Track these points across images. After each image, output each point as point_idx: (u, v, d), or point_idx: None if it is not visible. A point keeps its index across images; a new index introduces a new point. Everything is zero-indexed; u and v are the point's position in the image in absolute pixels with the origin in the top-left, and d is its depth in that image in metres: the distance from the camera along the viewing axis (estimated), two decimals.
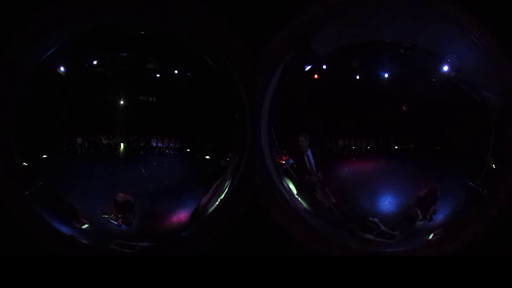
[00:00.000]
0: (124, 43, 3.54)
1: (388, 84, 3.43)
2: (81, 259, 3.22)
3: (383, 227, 3.44)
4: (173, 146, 3.68)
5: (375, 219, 3.45)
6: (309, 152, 3.56)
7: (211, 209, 3.52)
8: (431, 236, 3.39)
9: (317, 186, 3.54)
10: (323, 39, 3.40)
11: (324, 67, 3.53)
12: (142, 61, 3.58)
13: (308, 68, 3.52)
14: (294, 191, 3.58)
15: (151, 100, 3.60)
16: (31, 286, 3.13)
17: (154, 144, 3.66)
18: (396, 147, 3.53)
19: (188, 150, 3.70)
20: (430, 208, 3.43)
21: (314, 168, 3.57)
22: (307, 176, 3.56)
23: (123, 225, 3.50)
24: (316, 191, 3.55)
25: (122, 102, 3.52)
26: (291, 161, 3.64)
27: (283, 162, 3.63)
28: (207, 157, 3.68)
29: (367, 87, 3.47)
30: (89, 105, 3.50)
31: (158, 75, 3.60)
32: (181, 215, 3.53)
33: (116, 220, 3.50)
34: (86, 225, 3.45)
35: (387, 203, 3.48)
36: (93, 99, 3.50)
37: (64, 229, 3.38)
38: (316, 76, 3.53)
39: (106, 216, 3.49)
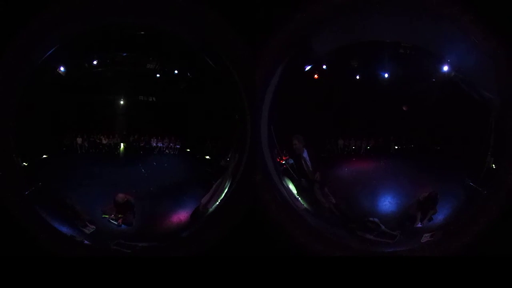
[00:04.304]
0: (124, 43, 3.54)
1: (388, 84, 3.43)
2: (81, 259, 3.22)
3: (383, 227, 3.44)
4: (173, 146, 3.68)
5: (376, 219, 3.45)
6: (305, 154, 3.56)
7: (211, 209, 3.52)
8: (431, 236, 3.39)
9: (315, 187, 3.54)
10: (323, 39, 3.40)
11: (324, 67, 3.53)
12: (142, 61, 3.58)
13: (308, 68, 3.52)
14: (294, 191, 3.58)
15: (151, 100, 3.60)
16: (31, 286, 3.12)
17: (154, 144, 3.67)
18: (396, 147, 3.53)
19: (188, 150, 3.70)
20: (429, 212, 3.44)
21: (311, 169, 3.57)
22: (303, 179, 3.56)
23: (123, 225, 3.50)
24: (316, 191, 3.55)
25: (122, 102, 3.52)
26: (291, 161, 3.64)
27: (283, 162, 3.63)
28: (207, 157, 3.68)
29: (367, 87, 3.48)
30: (89, 105, 3.50)
31: (158, 75, 3.60)
32: (181, 215, 3.53)
33: (116, 220, 3.50)
34: (86, 225, 3.45)
35: (387, 203, 3.48)
36: (93, 99, 3.51)
37: (64, 229, 3.38)
38: (316, 76, 3.54)
39: (106, 216, 3.49)
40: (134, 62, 3.57)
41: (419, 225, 3.47)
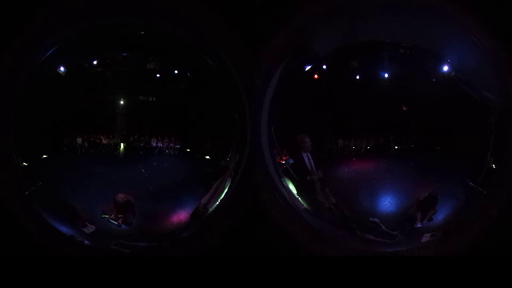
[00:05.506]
0: (124, 43, 3.54)
1: (388, 84, 3.43)
2: (81, 259, 3.22)
3: (383, 227, 3.44)
4: (173, 146, 3.68)
5: (376, 220, 3.45)
6: (307, 153, 3.57)
7: (211, 209, 3.52)
8: (431, 236, 3.39)
9: (317, 186, 3.54)
10: (323, 39, 3.40)
11: (324, 67, 3.53)
12: (142, 61, 3.58)
13: (308, 68, 3.52)
14: (294, 191, 3.58)
15: (151, 100, 3.60)
16: (31, 286, 3.12)
17: (154, 144, 3.67)
18: (396, 147, 3.53)
19: (188, 150, 3.70)
20: (429, 212, 3.44)
21: (314, 167, 3.57)
22: (308, 176, 3.56)
23: (123, 225, 3.50)
24: (316, 191, 3.55)
25: (122, 102, 3.52)
26: (291, 161, 3.64)
27: (283, 162, 3.63)
28: (207, 157, 3.68)
29: (367, 87, 3.47)
30: (89, 105, 3.50)
31: (158, 75, 3.60)
32: (181, 215, 3.53)
33: (116, 220, 3.50)
34: (86, 225, 3.45)
35: (387, 203, 3.48)
36: (93, 99, 3.51)
37: (64, 229, 3.38)
38: (316, 76, 3.53)
39: (106, 216, 3.49)
40: (134, 62, 3.57)
41: (419, 225, 3.47)
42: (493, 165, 3.35)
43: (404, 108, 3.42)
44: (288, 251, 3.30)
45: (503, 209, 3.22)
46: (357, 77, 3.50)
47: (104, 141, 3.58)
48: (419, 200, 3.45)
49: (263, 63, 3.31)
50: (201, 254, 3.30)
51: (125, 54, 3.55)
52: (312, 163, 3.56)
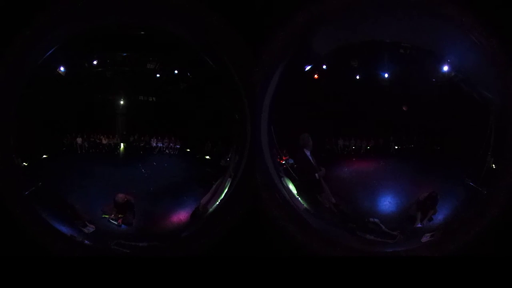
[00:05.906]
0: (124, 43, 3.54)
1: (388, 84, 3.44)
2: (81, 259, 3.22)
3: (383, 228, 3.44)
4: (173, 146, 3.68)
5: (376, 220, 3.45)
6: (308, 153, 3.57)
7: (211, 209, 3.52)
8: (431, 236, 3.39)
9: (323, 183, 3.53)
10: (323, 39, 3.40)
11: (324, 67, 3.53)
12: (142, 61, 3.58)
13: (308, 68, 3.52)
14: (294, 191, 3.58)
15: (151, 100, 3.60)
16: (31, 286, 3.12)
17: (154, 144, 3.67)
18: (396, 147, 3.53)
19: (188, 150, 3.70)
20: (429, 212, 3.44)
21: (313, 169, 3.57)
22: (316, 174, 3.55)
23: (123, 225, 3.50)
24: (323, 188, 3.55)
25: (122, 102, 3.52)
26: (291, 161, 3.64)
27: (283, 162, 3.63)
28: (207, 157, 3.68)
29: (367, 87, 3.48)
30: (89, 105, 3.50)
31: (158, 75, 3.60)
32: (181, 215, 3.53)
33: (116, 220, 3.50)
34: (86, 225, 3.45)
35: (387, 203, 3.48)
36: (93, 99, 3.51)
37: (64, 229, 3.38)
38: (316, 76, 3.54)
39: (106, 216, 3.49)
40: (134, 62, 3.57)
41: (419, 225, 3.47)
42: (493, 165, 3.35)
43: (404, 108, 3.42)
44: (288, 251, 3.30)
45: (503, 209, 3.22)
46: (357, 77, 3.50)
47: (104, 141, 3.58)
48: (419, 200, 3.45)
49: (263, 63, 3.31)
50: (201, 254, 3.30)
51: (125, 54, 3.55)
52: (314, 160, 3.57)
